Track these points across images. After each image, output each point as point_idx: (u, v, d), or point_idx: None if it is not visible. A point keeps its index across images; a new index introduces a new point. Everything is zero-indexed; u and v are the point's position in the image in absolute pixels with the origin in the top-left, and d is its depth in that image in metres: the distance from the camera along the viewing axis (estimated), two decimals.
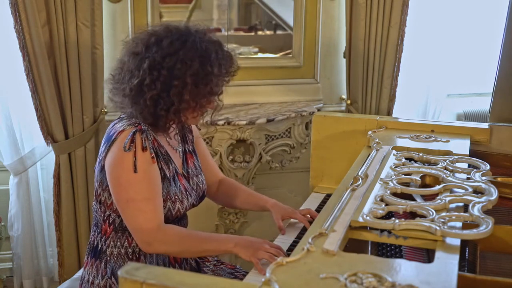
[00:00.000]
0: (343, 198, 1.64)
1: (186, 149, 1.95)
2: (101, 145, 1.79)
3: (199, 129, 2.09)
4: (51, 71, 2.61)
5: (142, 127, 1.73)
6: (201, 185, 1.95)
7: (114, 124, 1.80)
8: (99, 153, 1.79)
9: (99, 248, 1.84)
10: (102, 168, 1.76)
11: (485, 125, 2.29)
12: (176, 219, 1.85)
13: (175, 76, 1.69)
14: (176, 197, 1.80)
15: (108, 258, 1.82)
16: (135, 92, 1.72)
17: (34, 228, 2.91)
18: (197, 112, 1.80)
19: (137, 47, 1.74)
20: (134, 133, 1.70)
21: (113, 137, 1.73)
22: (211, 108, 1.82)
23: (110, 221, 1.81)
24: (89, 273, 1.86)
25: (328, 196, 2.13)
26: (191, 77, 1.69)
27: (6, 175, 2.87)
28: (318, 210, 2.12)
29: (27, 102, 2.69)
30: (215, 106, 1.83)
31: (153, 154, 1.74)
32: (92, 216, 1.90)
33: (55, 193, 2.79)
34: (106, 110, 2.81)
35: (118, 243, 1.81)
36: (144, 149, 1.70)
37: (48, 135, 2.70)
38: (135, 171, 1.68)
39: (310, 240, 1.36)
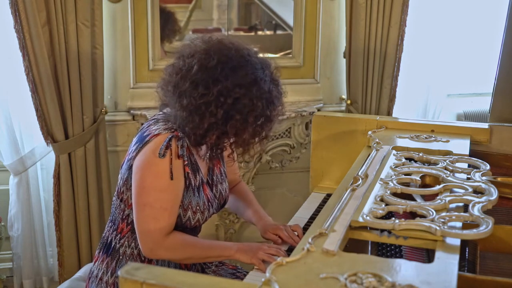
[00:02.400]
0: (343, 198, 1.64)
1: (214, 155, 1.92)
2: (132, 144, 1.77)
3: None
4: (51, 71, 2.61)
5: (179, 133, 1.70)
6: (223, 193, 1.93)
7: (149, 125, 1.77)
8: (129, 151, 1.77)
9: (112, 245, 1.84)
10: (130, 167, 1.74)
11: (485, 125, 2.29)
12: (193, 228, 1.84)
13: (238, 110, 1.65)
14: (198, 207, 1.79)
15: (121, 257, 1.82)
16: (194, 109, 1.66)
17: (34, 228, 2.91)
18: (240, 149, 1.77)
19: (211, 61, 1.65)
20: (170, 139, 1.68)
21: (147, 139, 1.70)
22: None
23: (129, 221, 1.80)
24: (99, 269, 1.86)
25: (328, 196, 2.13)
26: (254, 118, 1.66)
27: (6, 175, 2.87)
28: (318, 210, 2.12)
29: (27, 102, 2.69)
30: (260, 149, 1.82)
31: (187, 162, 1.73)
32: (111, 212, 1.88)
33: (55, 193, 2.79)
34: (106, 110, 2.81)
35: (133, 243, 1.81)
36: (179, 156, 1.69)
37: (48, 135, 2.70)
38: (171, 178, 1.67)
39: (310, 240, 1.36)
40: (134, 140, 1.77)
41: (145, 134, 1.73)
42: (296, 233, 1.88)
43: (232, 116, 1.65)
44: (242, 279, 1.87)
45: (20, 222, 2.85)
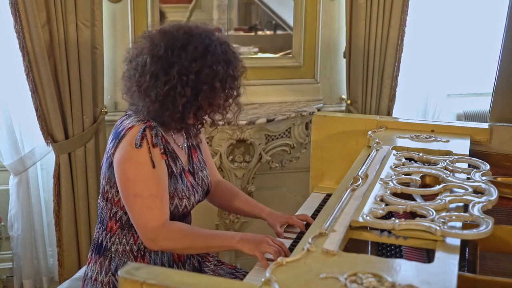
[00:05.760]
0: (343, 198, 1.64)
1: (190, 144, 1.96)
2: (109, 141, 1.79)
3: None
4: (51, 71, 2.61)
5: (152, 123, 1.74)
6: (205, 180, 1.96)
7: (122, 121, 1.80)
8: (107, 150, 1.79)
9: (103, 245, 1.85)
10: (110, 165, 1.76)
11: (485, 125, 2.29)
12: (181, 216, 1.86)
13: (203, 81, 1.70)
14: (183, 194, 1.81)
15: (113, 255, 1.83)
16: (164, 97, 1.71)
17: (34, 228, 2.91)
18: (220, 115, 1.83)
19: (159, 50, 1.71)
20: (144, 130, 1.71)
21: (122, 133, 1.73)
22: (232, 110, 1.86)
23: (117, 218, 1.81)
24: (93, 270, 1.86)
25: (328, 196, 2.13)
26: (220, 82, 1.72)
27: (6, 175, 2.87)
28: (318, 210, 2.12)
29: (27, 102, 2.69)
30: (239, 107, 1.87)
31: (163, 150, 1.75)
32: (98, 213, 1.90)
33: (55, 193, 2.79)
34: (106, 110, 2.81)
35: (124, 240, 1.82)
36: (154, 145, 1.72)
37: (48, 135, 2.70)
38: (153, 167, 1.70)
39: (310, 240, 1.36)
40: (110, 137, 1.80)
41: (119, 129, 1.76)
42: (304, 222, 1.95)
43: (200, 89, 1.71)
44: (241, 279, 1.88)
45: (20, 222, 2.85)
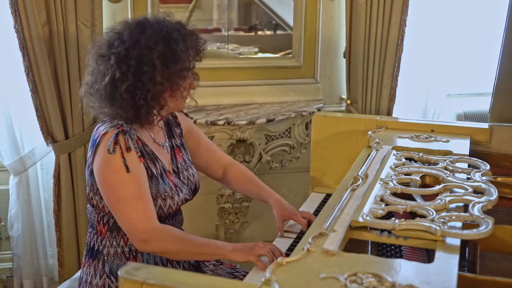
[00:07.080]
0: (343, 198, 1.64)
1: (174, 144, 1.96)
2: (88, 149, 1.81)
3: (191, 118, 2.09)
4: (51, 71, 2.61)
5: (125, 127, 1.74)
6: (192, 179, 1.96)
7: (98, 128, 1.81)
8: (87, 158, 1.80)
9: (95, 248, 1.86)
10: (91, 173, 1.78)
11: (485, 125, 2.29)
12: (169, 216, 1.86)
13: (143, 63, 1.71)
14: (166, 194, 1.81)
15: (106, 258, 1.83)
16: (110, 89, 1.72)
17: (34, 228, 2.91)
18: (175, 93, 1.79)
19: (102, 49, 1.75)
20: (117, 135, 1.71)
21: (97, 140, 1.74)
22: (187, 86, 1.82)
23: (104, 222, 1.83)
24: (87, 273, 1.87)
25: (328, 196, 2.13)
26: (159, 58, 1.71)
27: (6, 175, 2.87)
28: (318, 210, 2.12)
29: (27, 102, 2.69)
30: (192, 83, 1.83)
31: (139, 153, 1.75)
32: (88, 218, 1.91)
33: (55, 193, 2.79)
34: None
35: (114, 242, 1.83)
36: (128, 149, 1.71)
37: (48, 135, 2.70)
38: (128, 171, 1.70)
39: (310, 240, 1.36)
40: (89, 145, 1.81)
41: (95, 137, 1.77)
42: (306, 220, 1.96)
43: (142, 71, 1.71)
44: (241, 279, 1.88)
45: (20, 222, 2.85)
